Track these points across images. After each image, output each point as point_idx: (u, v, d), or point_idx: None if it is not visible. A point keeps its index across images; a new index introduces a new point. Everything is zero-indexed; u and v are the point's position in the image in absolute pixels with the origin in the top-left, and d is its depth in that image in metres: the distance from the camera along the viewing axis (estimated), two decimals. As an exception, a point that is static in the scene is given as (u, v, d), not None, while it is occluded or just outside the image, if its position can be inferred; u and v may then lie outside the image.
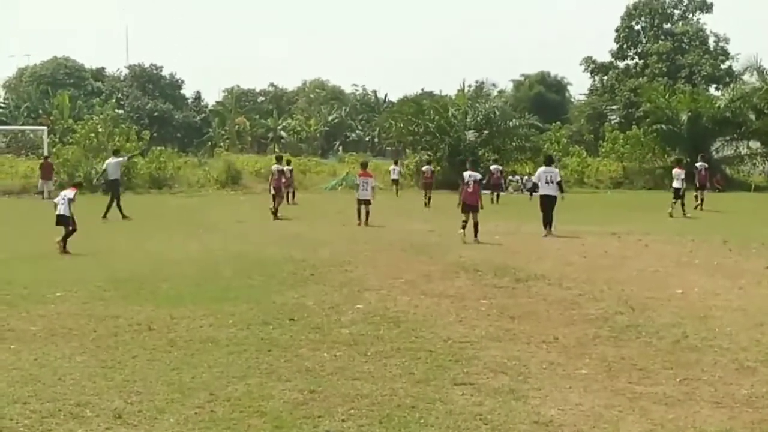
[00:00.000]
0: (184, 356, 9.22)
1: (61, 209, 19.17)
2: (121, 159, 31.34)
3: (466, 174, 22.03)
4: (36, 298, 12.62)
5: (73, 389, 7.96)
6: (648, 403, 7.65)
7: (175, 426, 6.95)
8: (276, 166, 29.90)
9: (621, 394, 7.93)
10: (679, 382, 8.30)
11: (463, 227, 21.03)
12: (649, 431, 6.89)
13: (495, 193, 38.19)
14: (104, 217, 26.81)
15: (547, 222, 23.02)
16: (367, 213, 25.46)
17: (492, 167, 40.94)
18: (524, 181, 47.38)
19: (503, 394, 7.89)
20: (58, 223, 19.02)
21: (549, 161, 25.04)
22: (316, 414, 7.25)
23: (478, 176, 22.54)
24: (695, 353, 9.46)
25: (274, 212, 27.69)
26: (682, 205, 29.57)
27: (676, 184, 30.60)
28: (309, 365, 8.86)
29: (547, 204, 23.32)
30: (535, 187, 25.61)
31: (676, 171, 31.37)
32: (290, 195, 35.78)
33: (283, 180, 30.56)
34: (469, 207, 21.40)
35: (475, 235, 20.76)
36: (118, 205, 27.42)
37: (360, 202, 25.81)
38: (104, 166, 30.24)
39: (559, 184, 23.59)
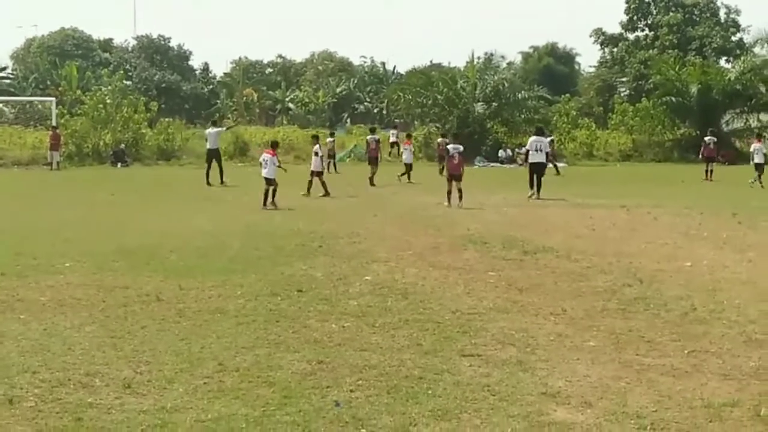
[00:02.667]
0: (193, 327, 9.26)
1: (265, 172, 22.47)
2: (220, 129, 34.86)
3: (451, 147, 24.14)
4: (45, 269, 12.67)
5: (82, 359, 8.00)
6: (655, 374, 7.66)
7: (184, 396, 6.99)
8: (371, 136, 34.93)
9: (628, 365, 7.93)
10: (687, 354, 8.31)
11: (449, 197, 22.85)
12: (656, 402, 6.90)
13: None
14: (222, 182, 30.07)
15: (536, 186, 25.52)
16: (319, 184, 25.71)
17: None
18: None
19: (511, 365, 7.90)
20: (267, 184, 22.22)
21: (539, 131, 27.83)
22: (324, 384, 7.28)
23: (461, 148, 24.12)
24: (703, 326, 9.45)
25: (370, 180, 30.55)
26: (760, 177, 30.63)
27: (757, 158, 31.46)
28: (317, 336, 8.89)
29: (536, 170, 25.84)
30: (527, 155, 27.16)
31: (755, 145, 32.13)
32: (332, 165, 38.36)
33: (372, 147, 33.97)
34: (455, 176, 23.17)
35: (460, 200, 22.60)
36: (221, 172, 30.47)
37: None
38: (205, 135, 32.90)
39: (547, 154, 26.49)
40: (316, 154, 26.22)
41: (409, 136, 39.02)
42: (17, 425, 6.33)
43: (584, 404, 6.86)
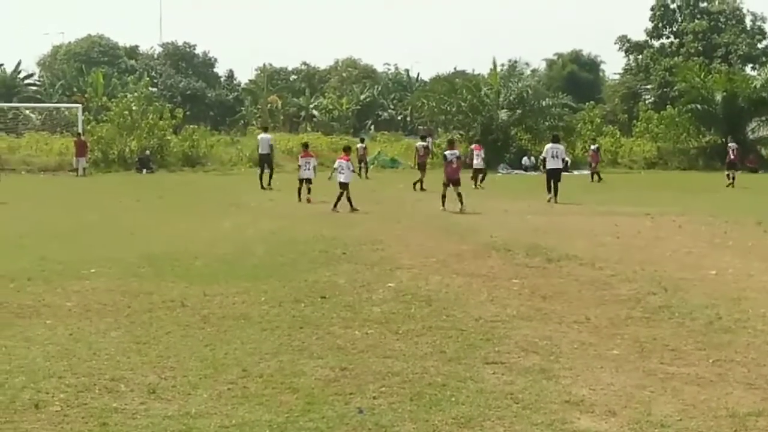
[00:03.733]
0: (217, 333, 9.30)
1: (342, 177, 23.36)
2: (270, 135, 36.09)
3: (448, 153, 24.88)
4: (71, 274, 12.76)
5: (107, 364, 8.05)
6: (680, 383, 7.62)
7: (208, 401, 7.02)
8: (420, 143, 36.18)
9: (653, 374, 7.90)
10: (712, 363, 8.26)
11: (443, 201, 23.60)
12: (680, 411, 6.86)
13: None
14: (269, 185, 31.37)
15: (554, 191, 26.45)
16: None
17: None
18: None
19: (534, 373, 7.88)
20: (342, 188, 23.24)
21: (555, 139, 29.31)
22: (348, 391, 7.29)
23: (458, 153, 25.56)
24: (728, 334, 9.39)
25: (420, 185, 31.35)
26: None
27: None
28: (340, 343, 8.90)
29: (553, 176, 26.89)
30: (545, 162, 28.39)
31: None
32: (364, 171, 39.64)
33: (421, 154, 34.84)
34: (452, 181, 23.84)
35: (461, 204, 23.18)
36: (270, 176, 31.78)
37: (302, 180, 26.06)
38: (257, 141, 35.12)
39: (563, 161, 28.30)
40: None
41: (479, 142, 39.15)
42: (43, 430, 6.38)
43: (608, 413, 6.83)
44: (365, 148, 41.45)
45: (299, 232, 18.32)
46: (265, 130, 37.77)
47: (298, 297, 11.18)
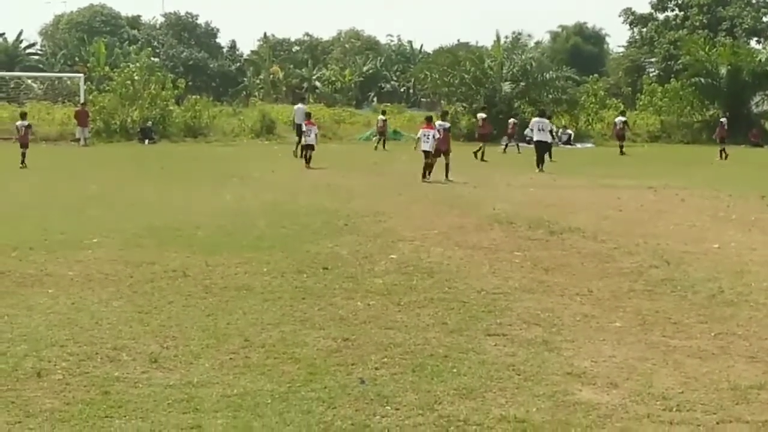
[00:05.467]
0: (219, 303, 9.31)
1: (427, 146, 24.12)
2: (305, 106, 37.29)
3: (437, 123, 25.47)
4: (73, 244, 12.77)
5: (109, 333, 8.06)
6: (682, 356, 7.63)
7: (210, 371, 7.03)
8: (481, 114, 36.72)
9: (655, 347, 7.90)
10: (714, 336, 8.26)
11: (427, 173, 24.16)
12: (682, 384, 6.87)
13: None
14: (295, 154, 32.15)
15: (541, 162, 27.80)
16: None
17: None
18: (559, 134, 47.04)
19: (536, 345, 7.89)
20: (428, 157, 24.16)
21: (542, 113, 30.66)
22: (350, 362, 7.30)
23: (447, 125, 26.44)
24: (730, 308, 9.40)
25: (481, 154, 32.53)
26: None
27: None
28: (342, 314, 8.91)
29: (541, 148, 28.34)
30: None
31: None
32: (382, 143, 39.83)
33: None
34: (441, 151, 24.52)
35: (447, 176, 24.02)
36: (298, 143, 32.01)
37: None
38: (293, 112, 36.24)
39: (551, 133, 30.07)
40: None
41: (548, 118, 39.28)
42: (45, 398, 6.39)
43: (610, 385, 6.84)
44: (385, 121, 41.54)
45: (302, 203, 18.31)
46: (302, 100, 39.90)
47: (301, 268, 11.19)
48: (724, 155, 35.39)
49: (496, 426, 5.99)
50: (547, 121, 29.95)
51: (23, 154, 27.28)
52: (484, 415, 6.15)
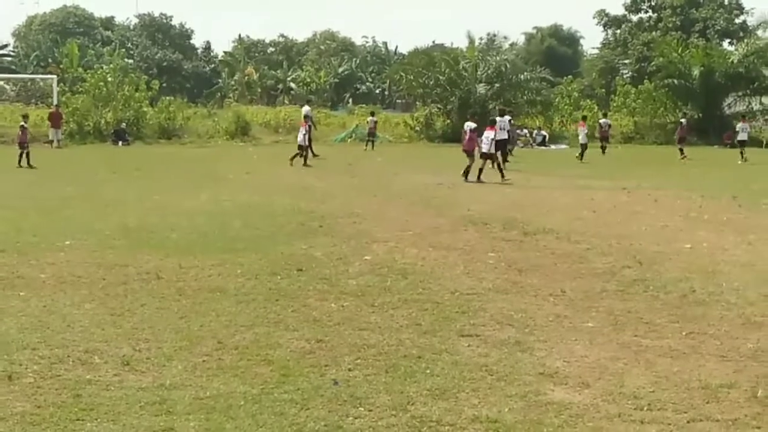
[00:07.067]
0: (193, 305, 9.28)
1: (484, 148, 24.66)
2: (309, 108, 37.41)
3: (465, 124, 26.49)
4: (45, 246, 12.69)
5: (81, 336, 8.02)
6: (653, 356, 7.68)
7: (183, 373, 7.01)
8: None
9: (627, 347, 7.96)
10: (685, 336, 8.33)
11: (475, 173, 24.21)
12: (653, 383, 6.92)
13: None
14: (314, 155, 31.72)
15: (503, 159, 27.63)
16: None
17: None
18: (534, 135, 47.24)
19: (509, 345, 7.92)
20: (481, 156, 24.72)
21: (501, 113, 30.84)
22: (323, 363, 7.31)
23: (473, 125, 26.26)
24: (702, 307, 9.47)
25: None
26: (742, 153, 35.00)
27: (741, 136, 36.55)
28: (316, 315, 8.91)
29: (500, 146, 28.07)
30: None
31: (741, 125, 37.57)
32: (371, 144, 40.00)
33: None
34: (466, 152, 25.21)
35: (466, 177, 24.40)
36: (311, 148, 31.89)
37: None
38: (303, 113, 35.31)
39: (508, 132, 30.33)
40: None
41: (584, 118, 40.10)
42: (16, 401, 6.35)
43: (582, 384, 6.89)
44: (375, 122, 41.75)
45: (277, 204, 18.28)
46: (308, 102, 40.89)
47: (275, 270, 11.17)
48: (682, 155, 35.99)
49: (468, 426, 6.02)
50: (506, 119, 30.30)
51: (20, 155, 28.74)
52: (457, 416, 6.18)
